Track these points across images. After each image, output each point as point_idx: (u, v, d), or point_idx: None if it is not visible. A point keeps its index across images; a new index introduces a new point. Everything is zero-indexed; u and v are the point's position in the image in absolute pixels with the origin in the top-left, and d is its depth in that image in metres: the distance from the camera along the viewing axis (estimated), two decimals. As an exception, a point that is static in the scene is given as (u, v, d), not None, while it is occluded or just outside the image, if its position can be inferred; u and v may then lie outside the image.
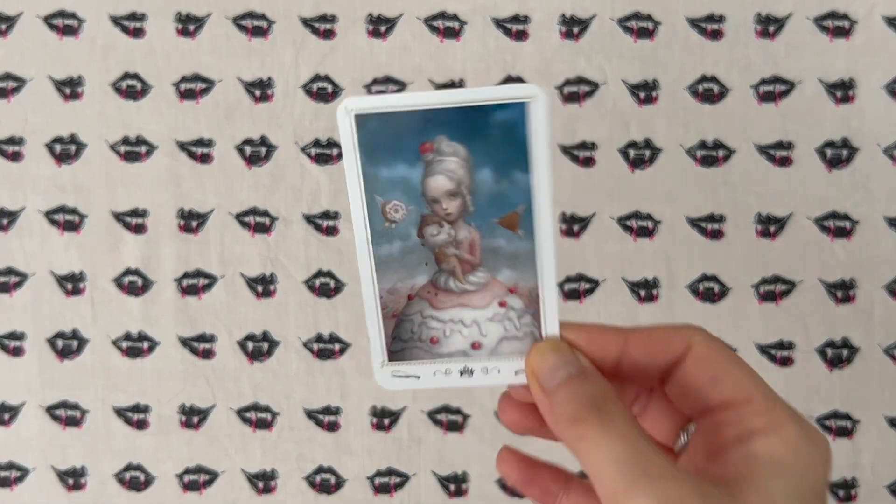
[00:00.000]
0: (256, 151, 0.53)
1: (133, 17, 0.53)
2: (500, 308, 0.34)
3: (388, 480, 0.53)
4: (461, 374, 0.34)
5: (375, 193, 0.33)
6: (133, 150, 0.53)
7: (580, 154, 0.52)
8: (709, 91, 0.52)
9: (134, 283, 0.53)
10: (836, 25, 0.52)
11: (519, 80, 0.52)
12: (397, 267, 0.34)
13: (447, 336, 0.35)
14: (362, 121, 0.31)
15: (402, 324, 0.35)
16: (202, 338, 0.53)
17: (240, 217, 0.53)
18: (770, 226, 0.52)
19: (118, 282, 0.53)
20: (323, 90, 0.53)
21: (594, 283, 0.52)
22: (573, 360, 0.29)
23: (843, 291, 0.52)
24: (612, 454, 0.26)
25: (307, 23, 0.53)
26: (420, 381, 0.34)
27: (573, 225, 0.52)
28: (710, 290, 0.52)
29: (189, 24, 0.53)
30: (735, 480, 0.27)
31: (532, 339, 0.32)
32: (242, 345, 0.53)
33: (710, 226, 0.52)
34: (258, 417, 0.53)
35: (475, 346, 0.34)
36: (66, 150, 0.53)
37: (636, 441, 0.26)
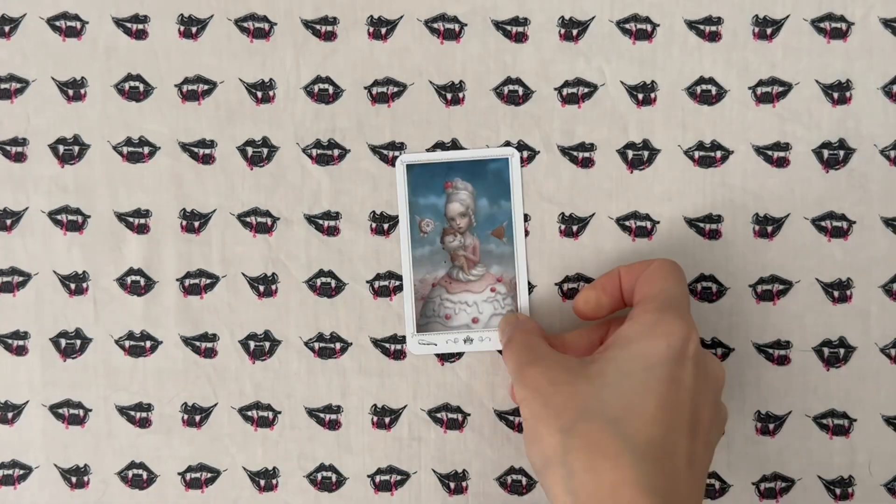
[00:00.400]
0: (258, 152, 0.53)
1: (135, 18, 0.53)
2: (491, 293, 0.51)
3: (389, 478, 0.53)
4: (465, 342, 0.50)
5: (416, 214, 0.51)
6: (135, 150, 0.54)
7: (579, 155, 0.53)
8: (707, 92, 0.52)
9: (136, 283, 0.54)
10: (833, 27, 0.52)
11: (519, 80, 0.53)
12: (426, 263, 0.51)
13: (456, 314, 0.51)
14: (410, 168, 0.51)
15: (426, 304, 0.51)
16: (204, 337, 0.54)
17: (241, 217, 0.53)
18: (767, 226, 0.52)
19: (121, 281, 0.54)
20: (324, 91, 0.53)
21: (593, 283, 0.52)
22: (514, 322, 0.48)
23: (839, 291, 0.52)
24: (509, 362, 0.44)
25: (308, 24, 0.53)
26: (437, 348, 0.51)
27: (572, 225, 0.52)
28: (707, 289, 0.52)
29: (191, 26, 0.53)
30: (597, 354, 0.40)
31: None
32: (244, 344, 0.53)
33: (707, 226, 0.52)
34: (260, 416, 0.54)
35: (475, 320, 0.51)
36: (68, 150, 0.54)
37: (521, 350, 0.43)
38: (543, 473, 0.38)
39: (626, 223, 0.52)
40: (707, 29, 0.52)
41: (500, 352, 0.51)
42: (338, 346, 0.53)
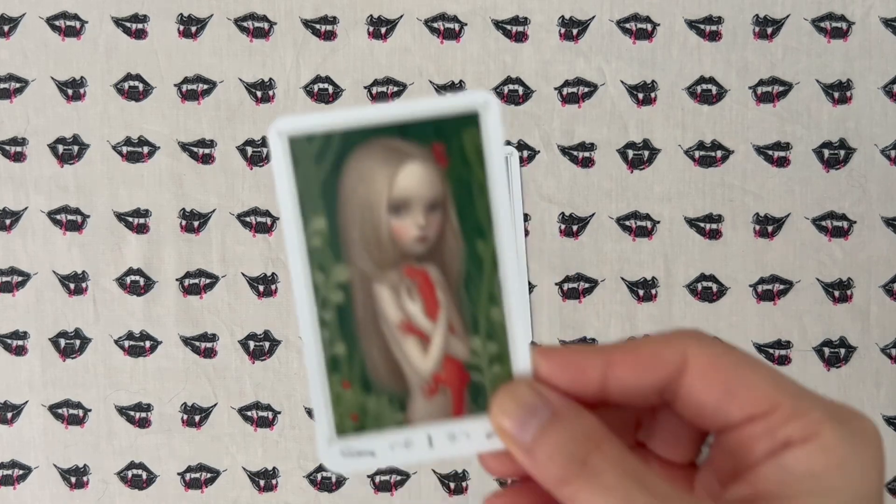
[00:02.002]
0: (258, 152, 0.53)
1: (135, 18, 0.53)
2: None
3: (389, 479, 0.53)
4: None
5: None
6: (135, 150, 0.53)
7: (579, 154, 0.53)
8: (707, 92, 0.52)
9: (136, 283, 0.54)
10: (834, 27, 0.52)
11: (519, 80, 0.52)
12: None
13: None
14: None
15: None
16: (204, 337, 0.53)
17: (241, 217, 0.53)
18: (768, 226, 0.52)
19: (120, 281, 0.54)
20: (324, 91, 0.53)
21: (593, 283, 0.52)
22: (541, 405, 0.24)
23: (840, 291, 0.52)
24: None
25: (308, 24, 0.53)
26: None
27: (572, 225, 0.52)
28: (708, 289, 0.52)
29: (191, 26, 0.53)
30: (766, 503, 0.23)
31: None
32: (244, 344, 0.53)
33: (708, 226, 0.52)
34: (259, 416, 0.54)
35: None
36: (68, 150, 0.54)
37: (634, 495, 0.22)
38: None
39: (627, 223, 0.52)
40: (707, 28, 0.52)
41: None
42: (338, 345, 0.53)
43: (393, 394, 0.26)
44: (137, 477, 0.54)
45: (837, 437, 0.22)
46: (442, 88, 0.53)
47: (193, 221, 0.53)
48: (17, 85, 0.54)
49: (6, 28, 0.54)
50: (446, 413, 0.26)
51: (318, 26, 0.53)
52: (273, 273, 0.53)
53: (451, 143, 0.25)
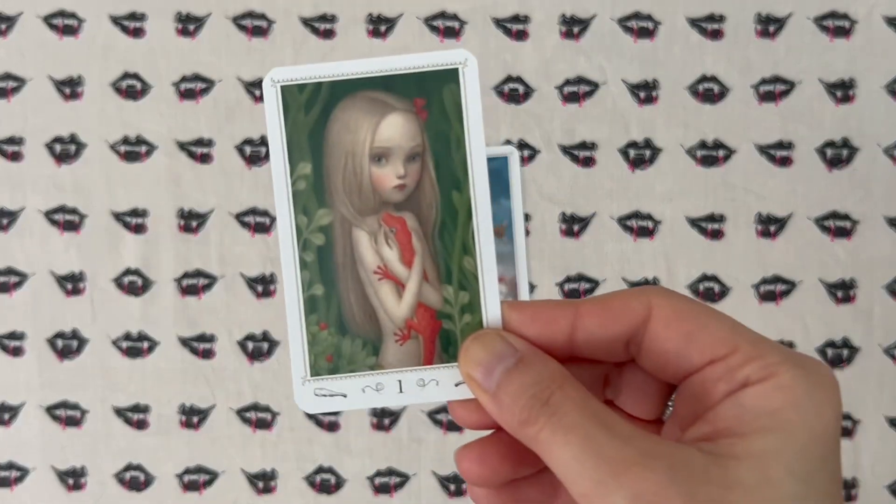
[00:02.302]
0: (256, 151, 0.53)
1: (133, 16, 0.53)
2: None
3: (389, 480, 0.53)
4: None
5: None
6: (133, 149, 0.53)
7: (580, 154, 0.52)
8: (709, 91, 0.52)
9: (134, 283, 0.53)
10: (837, 25, 0.52)
11: (519, 79, 0.52)
12: None
13: None
14: None
15: None
16: (202, 338, 0.53)
17: (240, 217, 0.53)
18: (770, 226, 0.52)
19: (118, 282, 0.53)
20: (323, 90, 0.53)
21: (594, 283, 0.52)
22: (508, 352, 0.25)
23: (843, 291, 0.52)
24: (570, 453, 0.22)
25: (307, 22, 0.53)
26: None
27: (573, 225, 0.52)
28: (710, 289, 0.52)
29: (189, 24, 0.53)
30: (725, 440, 0.23)
31: None
32: (242, 345, 0.53)
33: (710, 226, 0.52)
34: (258, 417, 0.53)
35: None
36: (65, 149, 0.53)
37: (595, 433, 0.22)
38: None
39: (628, 223, 0.52)
40: (709, 27, 0.52)
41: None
42: (337, 346, 0.53)
43: (367, 338, 0.27)
44: (135, 478, 0.53)
45: (794, 377, 0.23)
46: (442, 87, 0.52)
47: (191, 221, 0.53)
48: (14, 84, 0.53)
49: (3, 26, 0.53)
50: (417, 360, 0.27)
51: (316, 25, 0.53)
52: (272, 273, 0.53)
53: (431, 97, 0.27)
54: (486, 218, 0.27)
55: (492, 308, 0.26)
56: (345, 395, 0.28)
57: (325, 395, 0.28)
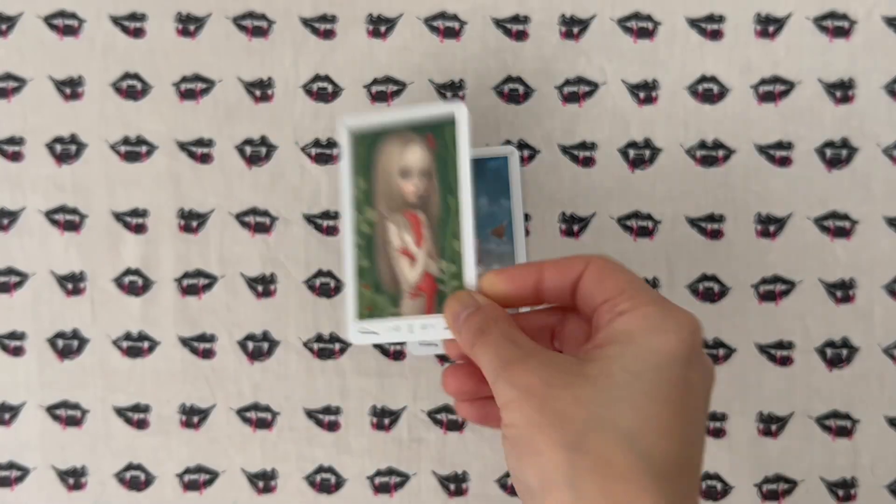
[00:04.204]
0: (256, 151, 0.53)
1: (133, 17, 0.53)
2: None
3: (389, 480, 0.53)
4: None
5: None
6: (133, 149, 0.53)
7: (580, 154, 0.52)
8: (709, 91, 0.52)
9: (134, 283, 0.53)
10: (836, 25, 0.52)
11: (519, 79, 0.52)
12: None
13: None
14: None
15: None
16: (202, 338, 0.53)
17: (240, 217, 0.53)
18: (770, 226, 0.52)
19: (118, 282, 0.53)
20: (323, 90, 0.53)
21: (594, 283, 0.52)
22: (469, 302, 0.36)
23: (842, 291, 0.52)
24: (486, 358, 0.34)
25: (307, 23, 0.53)
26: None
27: (573, 225, 0.52)
28: (709, 289, 0.52)
29: (189, 24, 0.53)
30: (593, 350, 0.33)
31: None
32: (242, 345, 0.53)
33: (709, 225, 0.52)
34: (258, 417, 0.53)
35: None
36: (66, 149, 0.53)
37: (502, 344, 0.34)
38: (541, 496, 0.31)
39: (628, 223, 0.52)
40: (709, 27, 0.52)
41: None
42: (337, 346, 0.53)
43: (391, 295, 0.40)
44: (135, 478, 0.54)
45: (654, 311, 0.33)
46: (442, 88, 0.52)
47: (192, 221, 0.53)
48: (15, 84, 0.53)
49: (3, 26, 0.53)
50: (422, 310, 0.39)
51: (317, 25, 0.53)
52: (272, 273, 0.53)
53: (437, 134, 0.39)
54: (468, 215, 0.38)
55: (469, 276, 0.38)
56: (376, 333, 0.41)
57: (365, 333, 0.41)
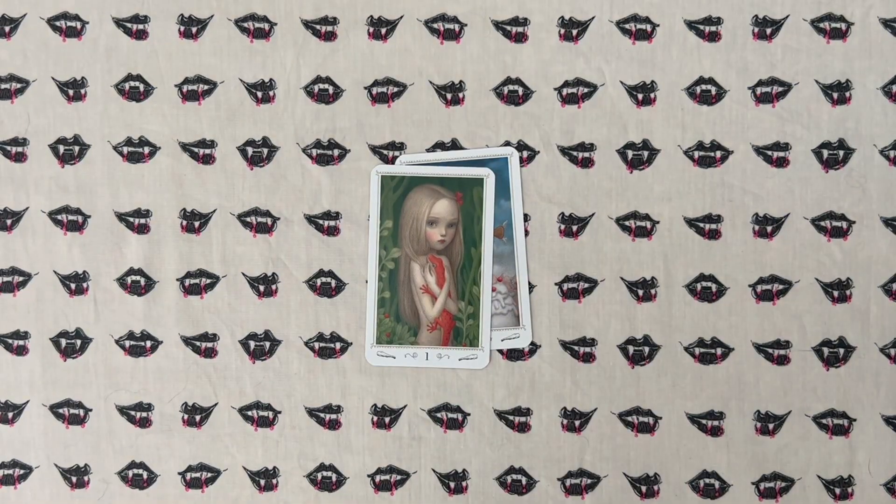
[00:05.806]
0: (258, 152, 0.53)
1: (136, 19, 0.54)
2: (491, 292, 0.51)
3: (389, 478, 0.53)
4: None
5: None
6: (136, 150, 0.54)
7: (579, 155, 0.53)
8: (706, 92, 0.52)
9: (137, 283, 0.54)
10: (833, 27, 0.52)
11: (518, 81, 0.53)
12: None
13: None
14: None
15: None
16: (204, 337, 0.54)
17: (242, 217, 0.53)
18: (767, 226, 0.52)
19: (121, 281, 0.54)
20: (324, 91, 0.53)
21: (593, 283, 0.52)
22: None
23: (839, 291, 0.52)
24: None
25: (308, 25, 0.53)
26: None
27: (572, 225, 0.52)
28: (707, 289, 0.52)
29: (191, 26, 0.53)
30: None
31: (513, 316, 0.50)
32: (244, 344, 0.53)
33: (707, 226, 0.52)
34: (260, 416, 0.54)
35: None
36: (69, 150, 0.54)
37: None
38: None
39: (626, 223, 0.52)
40: (707, 29, 0.52)
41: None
42: (338, 345, 0.53)
43: (411, 326, 0.49)
44: (138, 476, 0.54)
45: None
46: (442, 89, 0.53)
47: (194, 221, 0.53)
48: (18, 85, 0.54)
49: (7, 28, 0.54)
50: (438, 342, 0.47)
51: (318, 27, 0.53)
52: (273, 273, 0.53)
53: (465, 192, 0.49)
54: (488, 267, 0.48)
55: (485, 319, 0.48)
56: (394, 357, 0.50)
57: (382, 356, 0.50)
